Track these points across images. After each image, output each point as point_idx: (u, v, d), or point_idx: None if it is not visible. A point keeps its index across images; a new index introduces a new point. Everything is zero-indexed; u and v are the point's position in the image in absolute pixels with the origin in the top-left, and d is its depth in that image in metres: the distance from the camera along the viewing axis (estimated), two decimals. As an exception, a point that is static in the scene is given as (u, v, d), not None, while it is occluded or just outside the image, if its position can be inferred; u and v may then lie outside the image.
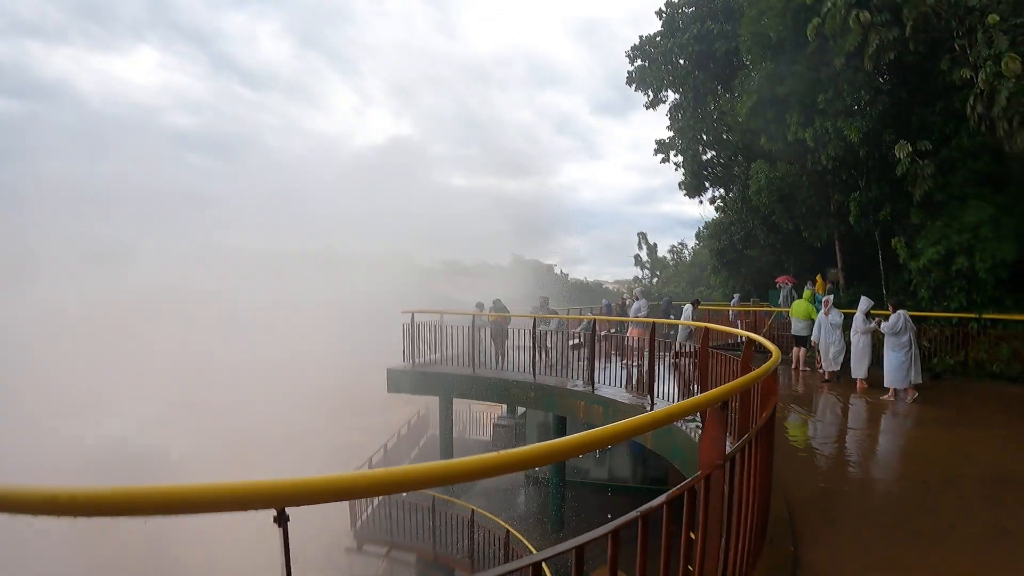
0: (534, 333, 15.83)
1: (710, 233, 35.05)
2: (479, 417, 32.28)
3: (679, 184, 32.09)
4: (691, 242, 50.86)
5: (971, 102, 13.48)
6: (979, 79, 13.01)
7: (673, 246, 59.10)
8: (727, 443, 3.53)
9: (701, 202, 32.96)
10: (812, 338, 15.81)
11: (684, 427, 9.51)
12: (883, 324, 13.22)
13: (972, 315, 15.71)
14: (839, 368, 14.48)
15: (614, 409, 12.49)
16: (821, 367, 15.40)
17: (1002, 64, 12.19)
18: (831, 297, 15.11)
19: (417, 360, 17.84)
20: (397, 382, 17.96)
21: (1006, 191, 15.58)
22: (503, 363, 17.11)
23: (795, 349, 17.08)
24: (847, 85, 17.83)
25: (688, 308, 19.85)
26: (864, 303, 13.90)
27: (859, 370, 13.85)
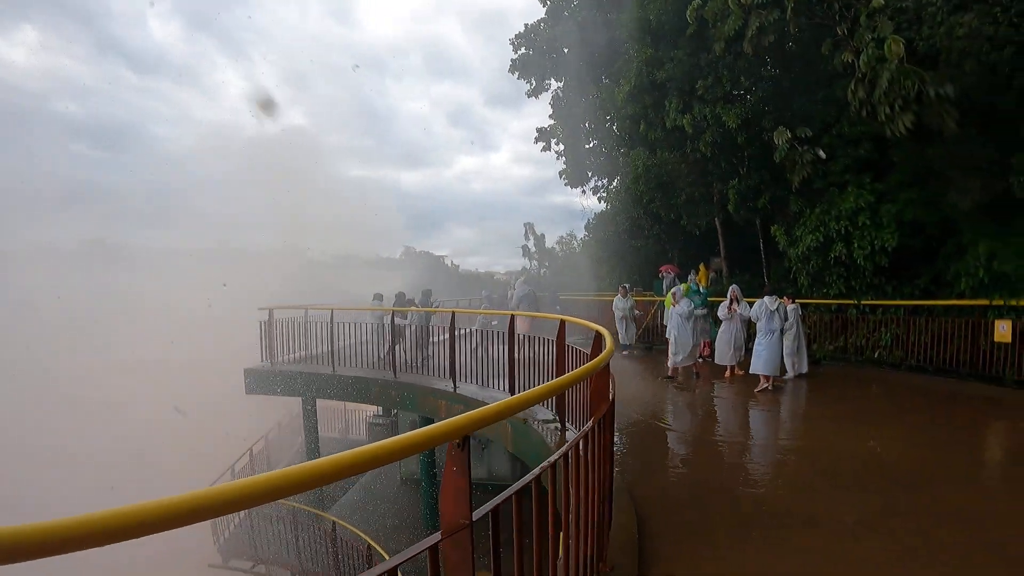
0: (393, 328, 14.60)
1: (596, 223, 34.19)
2: (360, 416, 30.19)
3: (559, 173, 31.18)
4: (581, 233, 50.39)
5: (852, 87, 12.77)
6: (860, 63, 12.28)
7: (562, 237, 58.19)
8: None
9: (583, 192, 31.91)
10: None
11: (541, 429, 8.60)
12: (742, 309, 12.95)
13: (851, 301, 15.28)
14: (693, 362, 13.40)
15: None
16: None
17: (885, 47, 11.47)
18: (679, 288, 14.23)
19: (278, 359, 16.39)
20: (255, 383, 16.59)
21: (886, 179, 15.09)
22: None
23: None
24: (727, 71, 17.10)
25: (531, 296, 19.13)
26: (732, 290, 13.63)
27: (723, 357, 13.51)
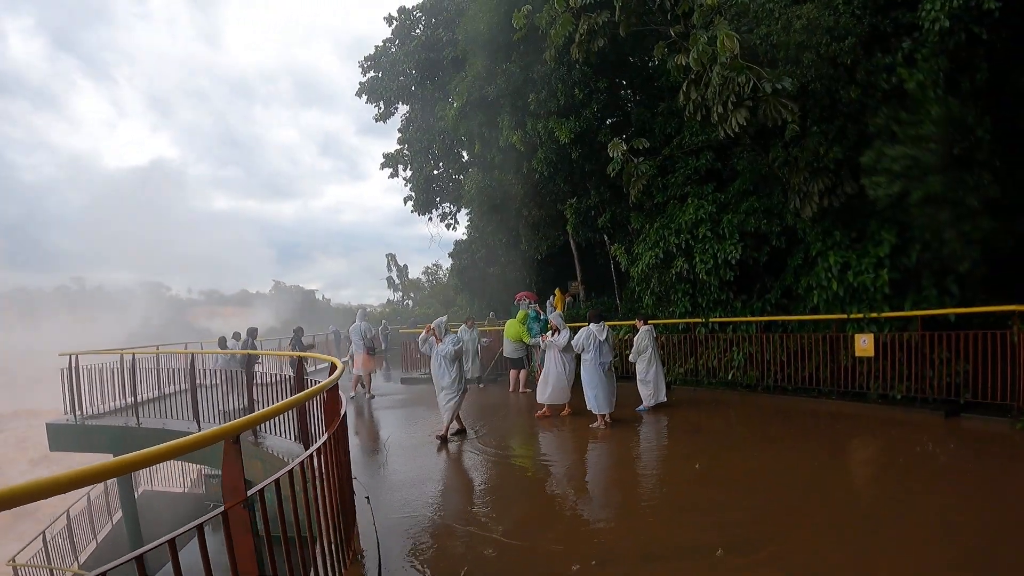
0: (192, 373, 12.03)
1: (455, 251, 32.37)
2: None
3: (404, 200, 29.12)
4: (447, 262, 48.32)
5: (684, 88, 11.33)
6: (691, 60, 10.82)
7: (427, 267, 56.13)
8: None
9: (430, 219, 29.83)
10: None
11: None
12: (559, 339, 10.98)
13: (699, 320, 13.80)
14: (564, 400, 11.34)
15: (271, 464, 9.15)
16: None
17: (717, 43, 10.00)
18: (557, 315, 11.77)
19: (87, 411, 13.74)
20: (59, 439, 13.89)
21: (728, 189, 13.80)
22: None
23: (511, 372, 15.08)
24: (560, 84, 15.54)
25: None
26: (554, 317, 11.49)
27: (541, 394, 11.33)
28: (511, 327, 14.60)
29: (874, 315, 10.57)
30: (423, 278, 56.04)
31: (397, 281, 54.70)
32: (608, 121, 16.20)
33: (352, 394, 15.15)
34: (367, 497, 6.75)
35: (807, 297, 12.00)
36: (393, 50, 26.87)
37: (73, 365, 13.73)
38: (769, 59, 10.83)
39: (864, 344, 10.43)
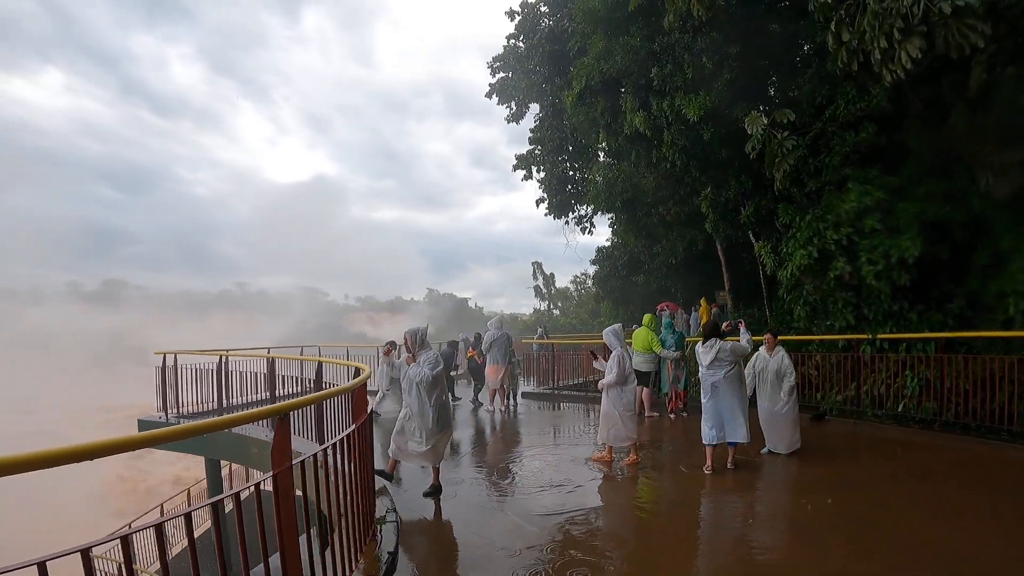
0: (272, 384, 11.45)
1: (598, 259, 29.96)
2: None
3: (536, 202, 26.76)
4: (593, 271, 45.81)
5: (832, 28, 8.34)
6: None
7: (576, 276, 53.68)
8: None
9: (567, 222, 27.20)
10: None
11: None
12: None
13: (864, 336, 10.67)
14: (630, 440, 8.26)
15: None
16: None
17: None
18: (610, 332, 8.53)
19: (182, 410, 13.10)
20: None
21: (900, 169, 10.63)
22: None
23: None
24: (686, 54, 12.87)
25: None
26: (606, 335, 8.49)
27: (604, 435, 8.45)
28: (639, 335, 11.91)
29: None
30: (571, 287, 53.76)
31: (544, 290, 52.80)
32: (744, 94, 13.19)
33: (490, 408, 13.54)
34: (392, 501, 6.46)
35: (998, 307, 8.96)
36: (520, 47, 24.86)
37: (167, 364, 13.26)
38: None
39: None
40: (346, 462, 4.33)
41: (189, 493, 17.88)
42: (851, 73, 8.64)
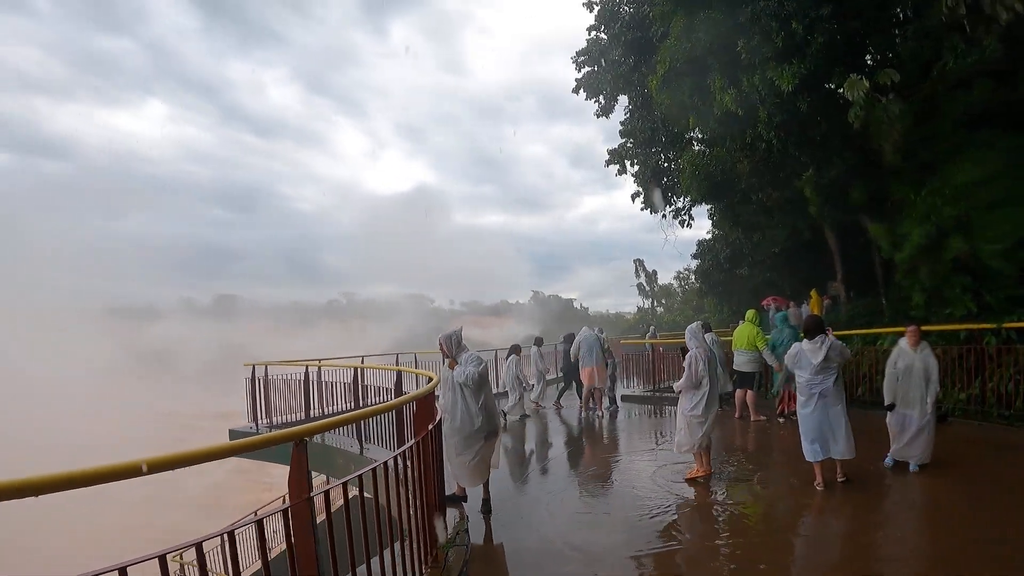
0: (356, 388, 11.52)
1: (699, 253, 28.69)
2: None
3: (631, 197, 25.62)
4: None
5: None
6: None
7: (679, 272, 51.82)
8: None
9: (664, 216, 25.86)
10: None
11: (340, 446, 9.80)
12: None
13: (988, 325, 9.28)
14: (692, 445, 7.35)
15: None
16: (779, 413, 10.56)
17: None
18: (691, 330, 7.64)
19: (274, 421, 13.20)
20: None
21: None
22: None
23: (737, 392, 11.34)
24: (773, 20, 11.72)
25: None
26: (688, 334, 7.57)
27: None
28: (742, 332, 10.99)
29: None
30: (675, 283, 52.09)
31: (647, 288, 51.39)
32: (840, 58, 11.89)
33: (584, 412, 12.95)
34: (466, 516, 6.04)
35: None
36: (602, 38, 23.94)
37: (258, 375, 13.41)
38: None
39: None
40: (393, 482, 3.94)
41: (284, 500, 17.86)
42: (959, 21, 7.44)
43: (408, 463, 4.19)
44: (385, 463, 3.80)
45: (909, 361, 6.93)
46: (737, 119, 13.49)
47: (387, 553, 3.69)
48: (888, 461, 7.14)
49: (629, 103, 24.27)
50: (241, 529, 2.93)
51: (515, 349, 13.62)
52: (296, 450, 3.24)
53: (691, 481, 7.11)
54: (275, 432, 3.40)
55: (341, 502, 3.45)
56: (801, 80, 11.44)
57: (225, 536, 2.65)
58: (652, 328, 26.65)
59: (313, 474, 14.08)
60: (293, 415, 13.03)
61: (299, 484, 3.22)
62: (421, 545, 4.24)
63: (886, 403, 6.94)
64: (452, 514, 5.96)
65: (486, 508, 6.25)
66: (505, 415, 12.48)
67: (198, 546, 2.42)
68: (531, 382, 13.70)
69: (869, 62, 12.39)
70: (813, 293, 16.88)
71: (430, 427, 4.84)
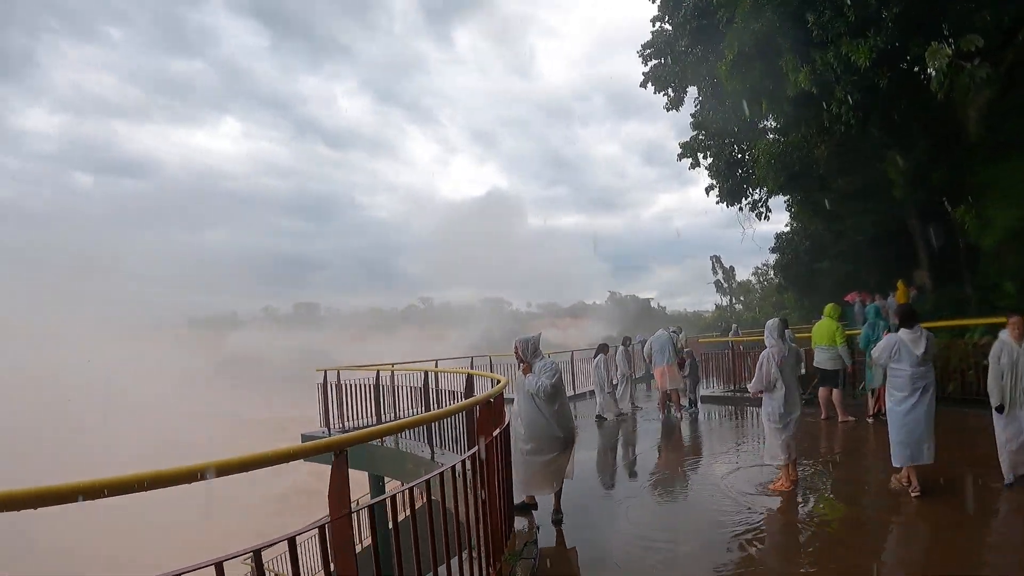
0: (426, 391, 11.18)
1: (777, 247, 27.77)
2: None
3: (705, 190, 24.87)
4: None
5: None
6: None
7: (757, 268, 50.26)
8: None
9: (740, 209, 24.98)
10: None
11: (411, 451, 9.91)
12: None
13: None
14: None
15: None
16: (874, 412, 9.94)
17: None
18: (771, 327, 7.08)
19: (347, 425, 13.22)
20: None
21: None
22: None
23: (821, 390, 10.66)
24: (847, -6, 11.09)
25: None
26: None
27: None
28: (821, 328, 10.40)
29: None
30: (753, 279, 50.65)
31: (724, 285, 50.19)
32: (917, 29, 11.14)
33: (662, 414, 12.78)
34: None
35: None
36: (667, 29, 23.27)
37: (330, 380, 13.49)
38: None
39: None
40: (461, 488, 3.88)
41: (358, 503, 18.17)
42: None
43: (471, 468, 4.00)
44: (451, 468, 3.75)
45: (1016, 356, 6.06)
46: (813, 99, 12.93)
47: (454, 562, 3.56)
48: (1009, 477, 6.18)
49: (699, 94, 23.85)
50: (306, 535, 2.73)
51: (602, 348, 13.57)
52: (336, 461, 2.97)
53: (776, 491, 6.65)
54: (315, 442, 3.08)
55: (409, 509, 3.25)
56: (878, 54, 10.81)
57: (286, 542, 2.56)
58: (735, 326, 25.87)
59: (386, 479, 14.23)
60: (365, 419, 13.03)
61: (339, 498, 2.95)
62: (485, 554, 4.10)
63: (994, 404, 6.21)
64: (521, 523, 5.81)
65: (557, 518, 6.06)
66: (601, 418, 12.75)
67: (256, 552, 2.41)
68: (615, 383, 13.62)
69: (947, 32, 11.65)
70: (900, 283, 16.06)
71: (496, 432, 4.69)
